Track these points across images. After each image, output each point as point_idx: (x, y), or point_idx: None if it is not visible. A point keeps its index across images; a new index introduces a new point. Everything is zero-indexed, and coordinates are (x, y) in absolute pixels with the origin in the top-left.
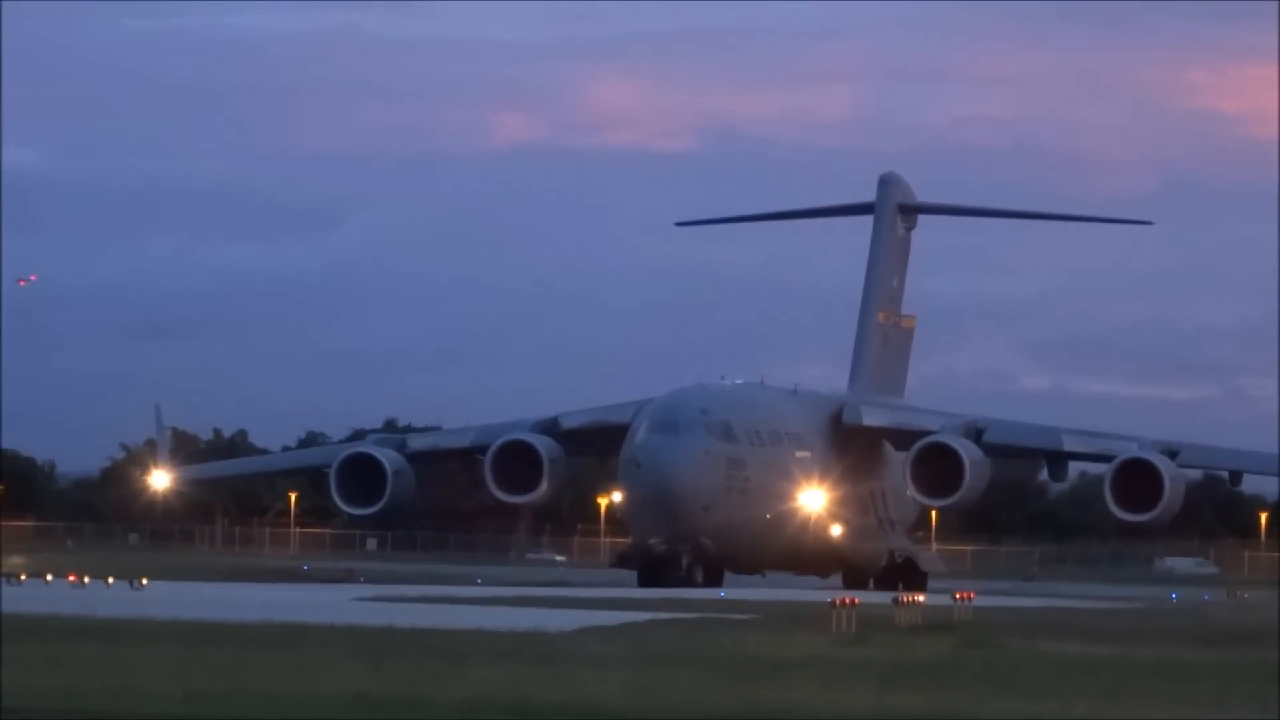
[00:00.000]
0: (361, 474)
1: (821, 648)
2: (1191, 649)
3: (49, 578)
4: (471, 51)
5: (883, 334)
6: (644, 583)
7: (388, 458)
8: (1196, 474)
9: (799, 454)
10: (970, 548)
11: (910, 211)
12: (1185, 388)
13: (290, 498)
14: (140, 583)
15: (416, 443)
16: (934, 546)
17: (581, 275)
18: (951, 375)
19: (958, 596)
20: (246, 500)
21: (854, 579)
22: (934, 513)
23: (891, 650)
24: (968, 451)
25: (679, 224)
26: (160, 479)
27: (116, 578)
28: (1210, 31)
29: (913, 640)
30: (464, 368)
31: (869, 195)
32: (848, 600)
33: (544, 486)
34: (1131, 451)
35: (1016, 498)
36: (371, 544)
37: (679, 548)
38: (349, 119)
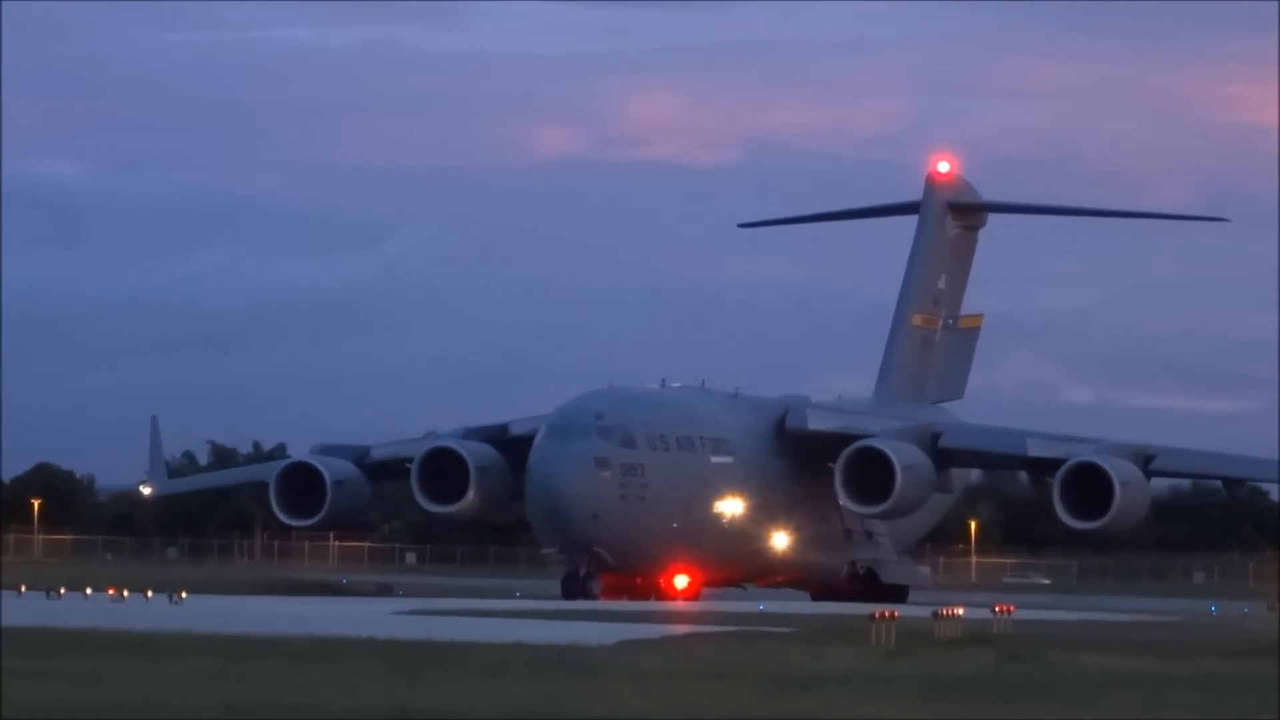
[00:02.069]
0: (303, 484)
1: (861, 661)
2: (1231, 661)
3: (88, 592)
4: (511, 65)
5: (921, 337)
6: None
7: (330, 467)
8: (1185, 483)
9: (715, 459)
10: (1010, 560)
11: (964, 210)
12: (1231, 400)
13: None
14: (179, 596)
15: (379, 452)
16: (973, 559)
17: (622, 288)
18: (994, 389)
19: (997, 609)
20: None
21: (820, 591)
22: (973, 524)
23: (931, 663)
24: (901, 457)
25: (741, 225)
26: (147, 491)
27: (156, 591)
28: (1250, 44)
29: (952, 653)
30: (505, 381)
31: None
32: (887, 613)
33: (470, 496)
34: (1083, 456)
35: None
36: (410, 558)
37: (575, 558)
38: (390, 133)
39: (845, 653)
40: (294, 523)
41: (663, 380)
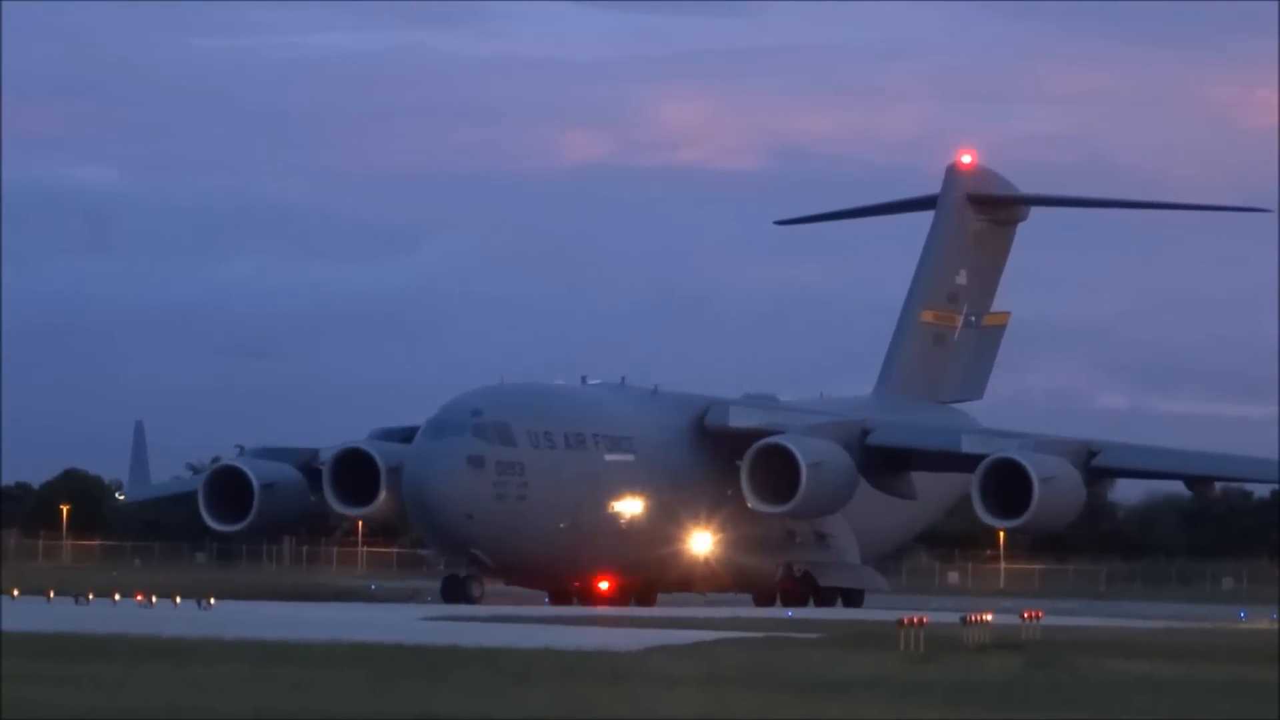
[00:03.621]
0: (232, 489)
1: (889, 666)
2: (1259, 668)
3: (117, 597)
4: (541, 70)
5: (933, 334)
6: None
7: (259, 470)
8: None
9: (611, 458)
10: (1038, 566)
11: (987, 203)
12: (1264, 406)
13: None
14: (208, 602)
15: (328, 454)
16: (1002, 565)
17: (651, 293)
18: (1026, 394)
19: (1026, 615)
20: (314, 519)
21: (759, 596)
22: (1000, 532)
23: (959, 669)
24: (808, 454)
25: (778, 222)
26: (121, 497)
27: (184, 597)
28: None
29: (981, 659)
30: None
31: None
32: (916, 619)
33: (381, 497)
34: (1002, 452)
35: (1084, 516)
36: (441, 564)
37: (455, 561)
38: (422, 138)
39: (873, 658)
40: (221, 528)
41: (583, 378)
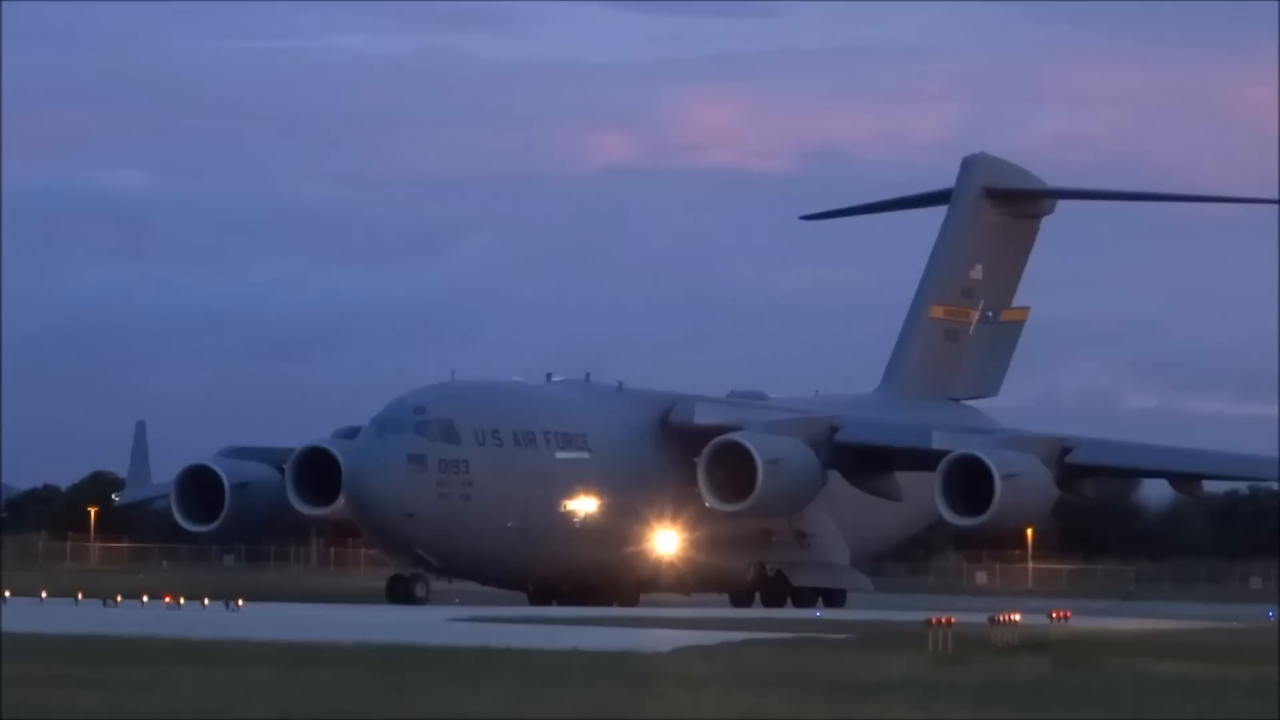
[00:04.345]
0: (204, 489)
1: (918, 667)
2: None
3: (145, 599)
4: (570, 72)
5: (943, 330)
6: (391, 598)
7: (231, 470)
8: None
9: (563, 455)
10: (1066, 566)
11: (1004, 196)
12: None
13: None
14: (236, 604)
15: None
16: (1030, 565)
17: (681, 296)
18: (1054, 395)
19: (1054, 616)
20: (343, 521)
21: (735, 596)
22: (1030, 530)
23: (988, 670)
24: (765, 451)
25: (803, 217)
26: (116, 499)
27: (212, 599)
28: None
29: (1009, 660)
30: None
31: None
32: (944, 619)
33: (342, 497)
34: (965, 448)
35: (1113, 516)
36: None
37: (400, 561)
38: (450, 141)
39: (902, 659)
40: (193, 529)
41: (548, 375)
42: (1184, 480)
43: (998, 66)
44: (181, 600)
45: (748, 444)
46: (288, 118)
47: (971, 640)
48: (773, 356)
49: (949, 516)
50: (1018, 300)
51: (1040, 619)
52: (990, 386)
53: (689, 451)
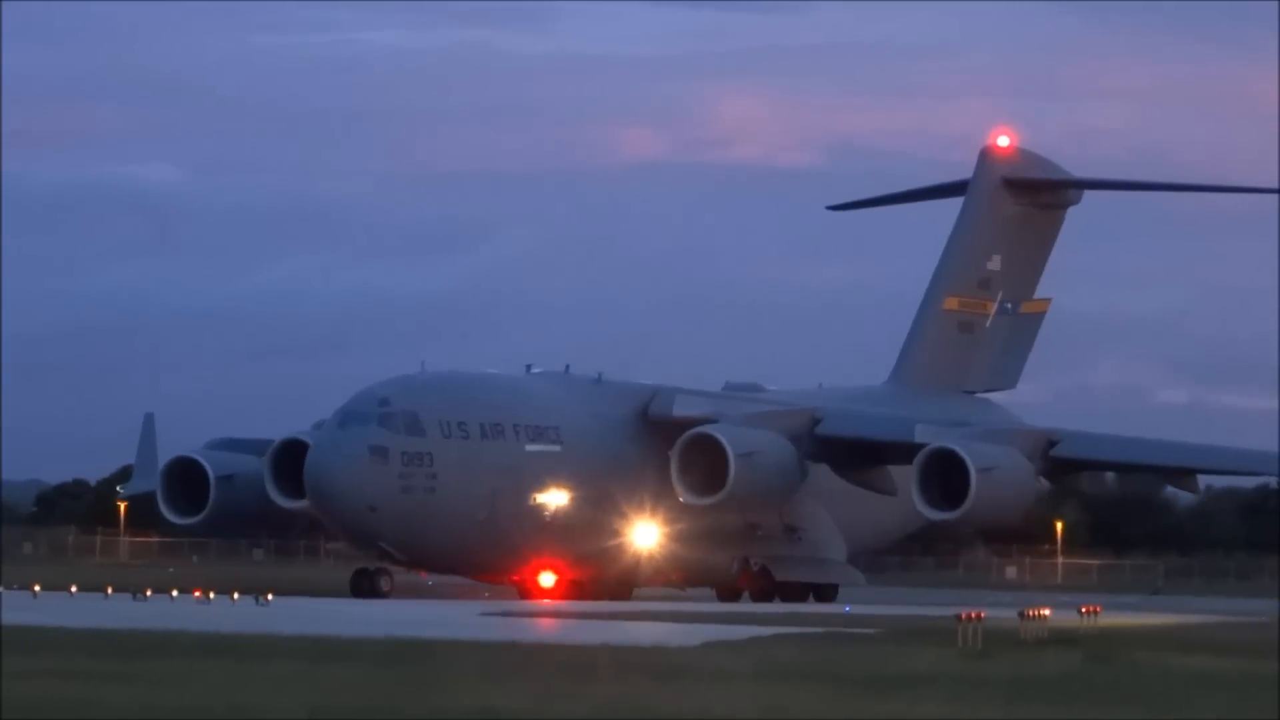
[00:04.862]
0: (190, 481)
1: (947, 662)
2: None
3: (175, 594)
4: (598, 67)
5: (958, 321)
6: (355, 592)
7: (217, 463)
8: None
9: (534, 448)
10: (1096, 561)
11: (1023, 186)
12: None
13: None
14: (265, 598)
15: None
16: (1059, 560)
17: (709, 291)
18: (1086, 390)
19: (1084, 610)
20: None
21: (721, 590)
22: (1059, 525)
23: (1017, 665)
24: (738, 444)
25: (830, 207)
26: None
27: (242, 593)
28: None
29: (1039, 654)
30: None
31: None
32: (973, 614)
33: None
34: (940, 441)
35: (1142, 511)
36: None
37: (365, 554)
38: (480, 136)
39: (931, 654)
40: (180, 522)
41: (528, 366)
42: (1179, 475)
43: (1024, 62)
44: (211, 595)
45: (720, 436)
46: (317, 113)
47: (1001, 635)
48: (798, 351)
49: (924, 510)
50: (1040, 292)
51: (1070, 614)
52: (1008, 379)
53: (668, 444)
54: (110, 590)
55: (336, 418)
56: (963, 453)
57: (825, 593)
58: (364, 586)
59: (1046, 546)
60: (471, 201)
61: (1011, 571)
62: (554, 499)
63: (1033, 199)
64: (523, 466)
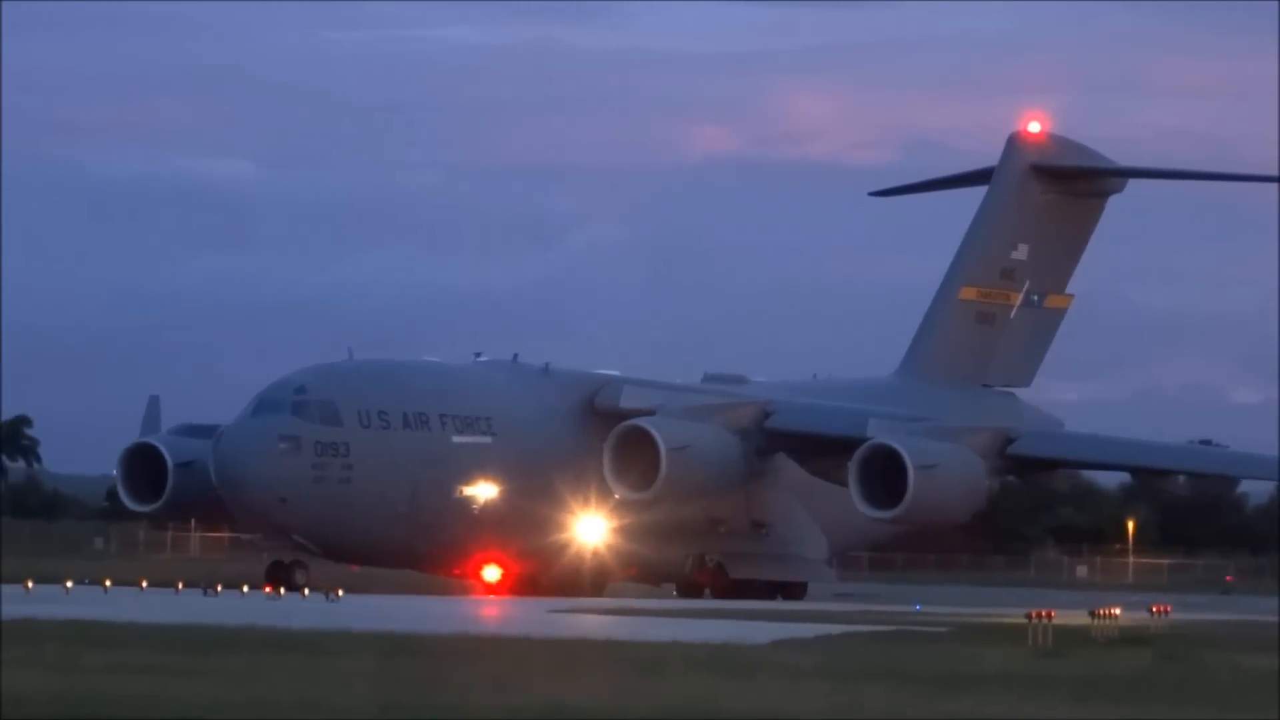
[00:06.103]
0: (149, 467)
1: (1017, 661)
2: None
3: (245, 589)
4: (670, 64)
5: (975, 312)
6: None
7: (176, 448)
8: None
9: (460, 439)
10: (1166, 560)
11: (1053, 174)
12: None
13: None
14: (336, 594)
15: None
16: (1130, 559)
17: (780, 288)
18: (1158, 391)
19: (1154, 610)
20: None
21: (682, 587)
22: (1130, 524)
23: (1087, 664)
24: (670, 438)
25: (871, 193)
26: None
27: (312, 590)
28: None
29: (1109, 653)
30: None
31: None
32: (1044, 613)
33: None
34: (880, 437)
35: (1213, 511)
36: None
37: (279, 547)
38: (551, 132)
39: (1001, 653)
40: (139, 508)
41: (476, 354)
42: (1154, 475)
43: (1096, 59)
44: (281, 590)
45: (651, 429)
46: (390, 108)
47: (1072, 634)
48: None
49: (862, 509)
50: (1072, 286)
51: (1141, 613)
52: (1023, 376)
53: None
54: (181, 586)
55: (250, 406)
56: (901, 449)
57: (793, 591)
58: (280, 579)
59: (1118, 546)
60: (545, 196)
61: (1083, 571)
62: (483, 491)
63: (1065, 187)
64: (448, 458)
